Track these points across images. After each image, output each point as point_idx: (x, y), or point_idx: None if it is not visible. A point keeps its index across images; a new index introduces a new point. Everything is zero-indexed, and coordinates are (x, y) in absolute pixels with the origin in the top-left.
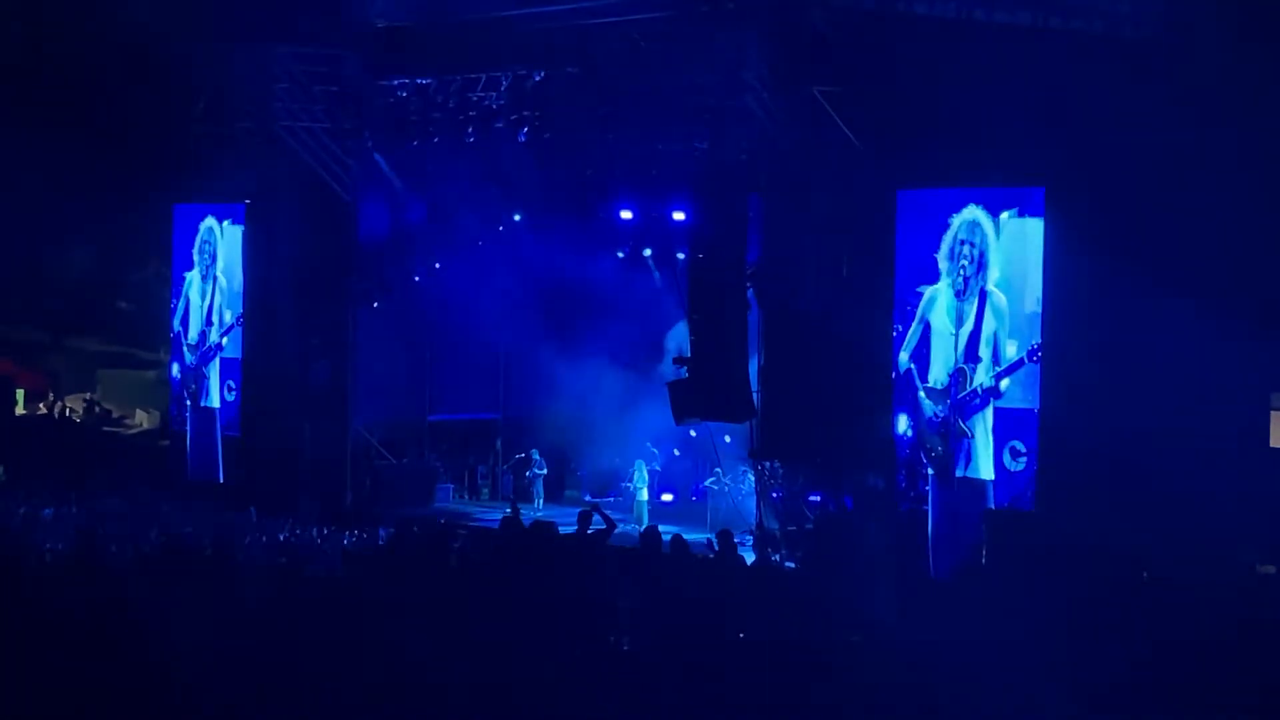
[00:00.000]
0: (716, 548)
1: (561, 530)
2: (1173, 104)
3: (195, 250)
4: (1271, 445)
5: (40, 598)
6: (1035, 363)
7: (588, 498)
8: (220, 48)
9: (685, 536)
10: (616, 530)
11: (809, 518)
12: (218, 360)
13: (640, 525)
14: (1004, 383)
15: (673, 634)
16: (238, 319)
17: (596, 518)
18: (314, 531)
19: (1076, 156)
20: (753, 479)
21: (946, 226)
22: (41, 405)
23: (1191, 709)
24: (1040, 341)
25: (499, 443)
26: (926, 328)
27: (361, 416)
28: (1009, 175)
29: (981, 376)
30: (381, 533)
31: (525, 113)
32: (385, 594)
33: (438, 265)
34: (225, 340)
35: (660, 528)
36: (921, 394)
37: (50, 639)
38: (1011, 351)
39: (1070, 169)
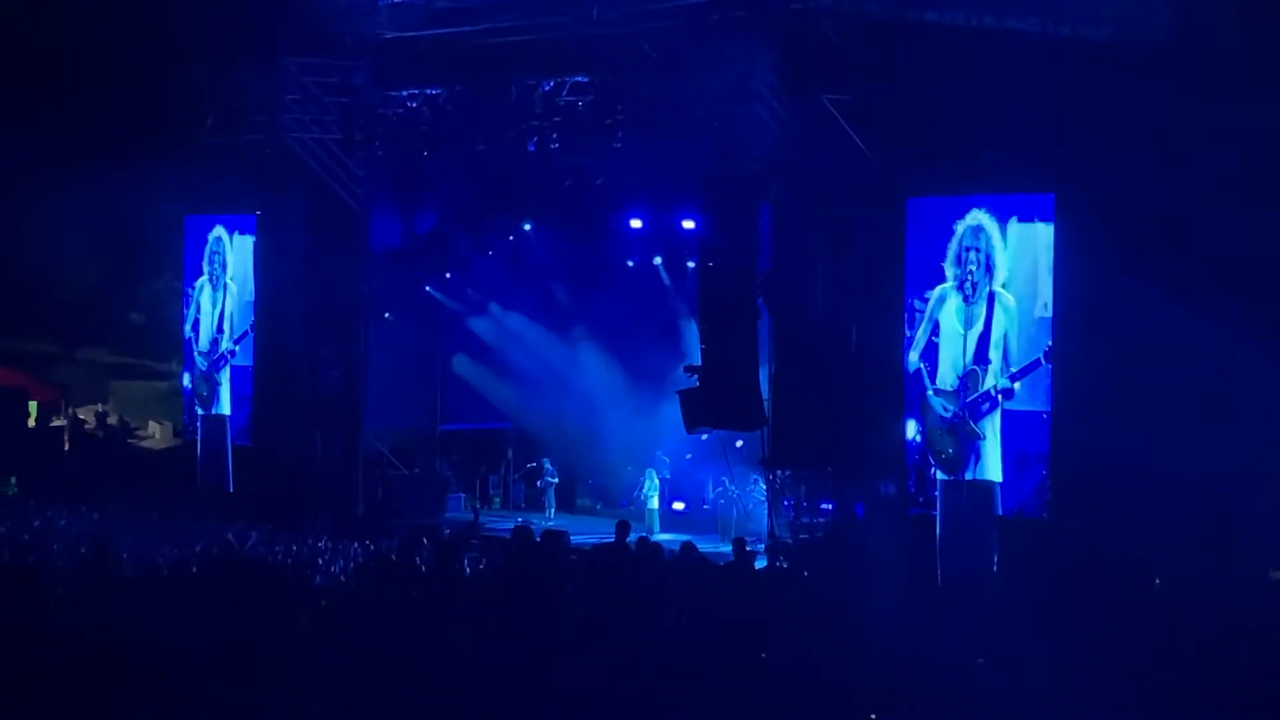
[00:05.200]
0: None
1: (573, 540)
2: (1182, 108)
3: (205, 259)
4: None
5: (54, 609)
6: (1049, 364)
7: (600, 507)
8: (230, 60)
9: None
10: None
11: (820, 526)
12: (228, 368)
13: (651, 534)
14: (1018, 384)
15: (684, 643)
16: (250, 327)
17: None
18: (322, 542)
19: (1086, 162)
20: (764, 487)
21: (953, 230)
22: (56, 418)
23: (1205, 717)
24: (1052, 343)
25: (510, 452)
26: (935, 327)
27: (372, 426)
28: (1019, 181)
29: (993, 379)
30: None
31: (534, 122)
32: (395, 606)
33: (448, 275)
34: (236, 348)
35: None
36: (930, 394)
37: (63, 650)
38: (1022, 353)
39: (1080, 174)
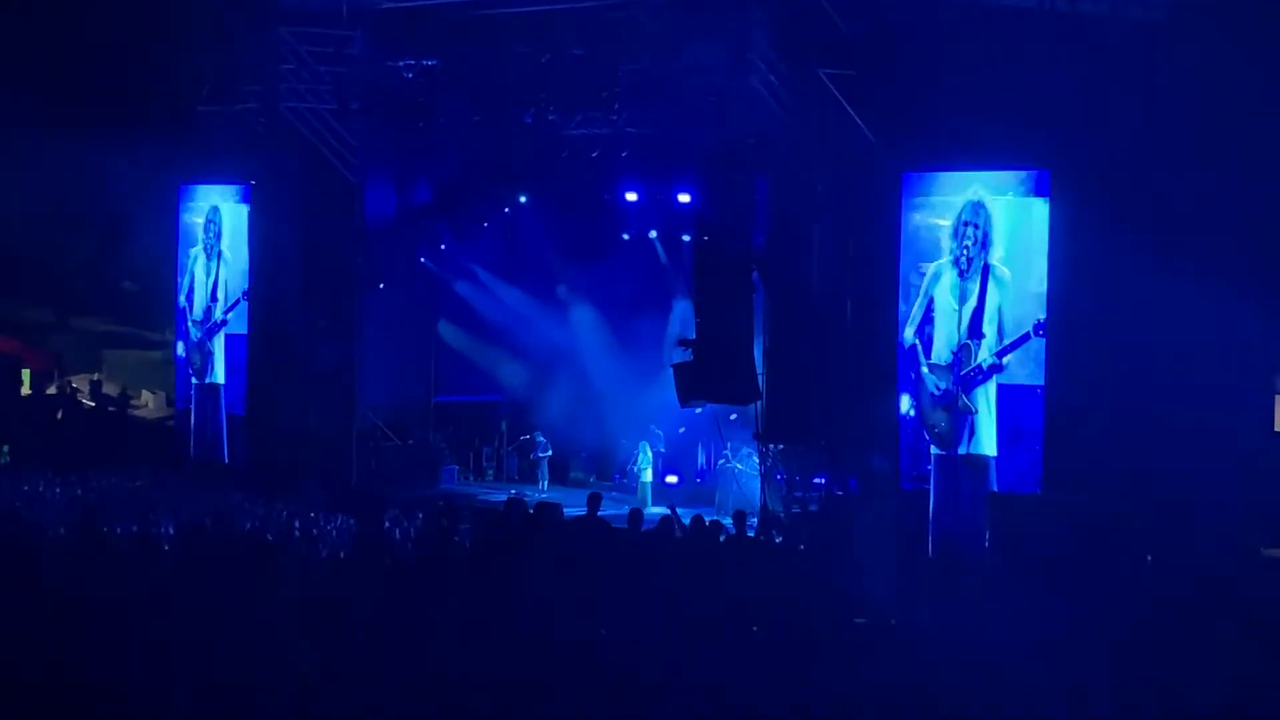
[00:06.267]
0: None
1: (566, 513)
2: (1179, 84)
3: (199, 228)
4: (1276, 429)
5: (45, 577)
6: (1040, 336)
7: (594, 479)
8: (226, 29)
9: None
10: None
11: (814, 500)
12: (222, 336)
13: (645, 507)
14: (1007, 358)
15: (676, 616)
16: (244, 294)
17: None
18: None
19: (1083, 137)
20: (758, 461)
21: (950, 206)
22: (51, 388)
23: (1196, 691)
24: (1045, 317)
25: (504, 424)
26: (931, 303)
27: (366, 397)
28: (1014, 157)
29: (985, 353)
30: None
31: (531, 94)
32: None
33: (443, 246)
34: (230, 316)
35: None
36: (925, 369)
37: (55, 618)
38: (1015, 327)
39: (1077, 150)
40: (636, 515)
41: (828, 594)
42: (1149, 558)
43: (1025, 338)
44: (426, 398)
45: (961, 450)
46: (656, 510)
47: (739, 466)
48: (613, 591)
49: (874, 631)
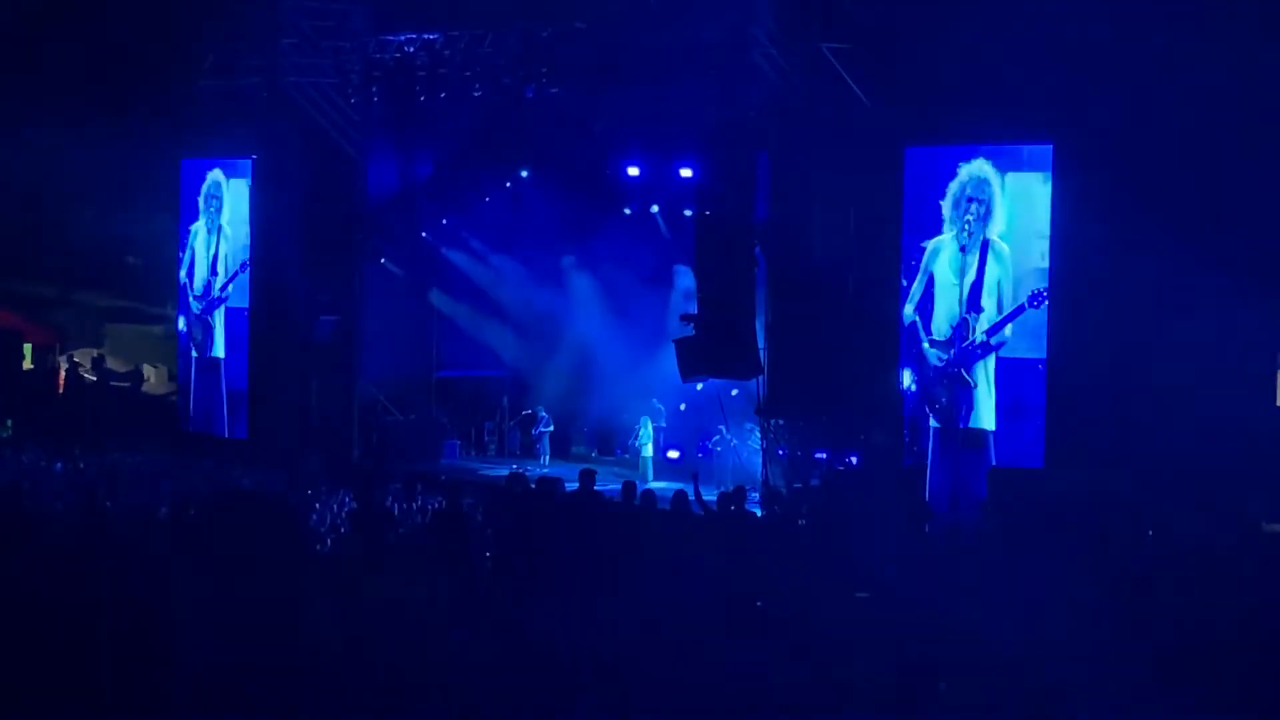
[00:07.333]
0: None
1: (567, 487)
2: (1184, 60)
3: (201, 202)
4: (1278, 404)
5: (46, 552)
6: (1036, 307)
7: (595, 454)
8: (228, 2)
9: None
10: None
11: (815, 474)
12: (223, 310)
13: (645, 483)
14: (999, 334)
15: (679, 591)
16: (242, 265)
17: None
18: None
19: (1086, 113)
20: (759, 436)
21: (952, 179)
22: (53, 360)
23: (1195, 667)
24: (1043, 287)
25: (505, 399)
26: (930, 280)
27: (368, 372)
28: (1017, 131)
29: (983, 326)
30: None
31: (533, 68)
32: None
33: (445, 221)
34: (230, 290)
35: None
36: (925, 345)
37: (55, 594)
38: (1015, 302)
39: (1078, 123)
40: (630, 488)
41: (829, 568)
42: (1150, 533)
43: (1020, 309)
44: (428, 372)
45: (961, 425)
46: (657, 485)
47: (734, 443)
48: (609, 567)
49: (875, 605)
